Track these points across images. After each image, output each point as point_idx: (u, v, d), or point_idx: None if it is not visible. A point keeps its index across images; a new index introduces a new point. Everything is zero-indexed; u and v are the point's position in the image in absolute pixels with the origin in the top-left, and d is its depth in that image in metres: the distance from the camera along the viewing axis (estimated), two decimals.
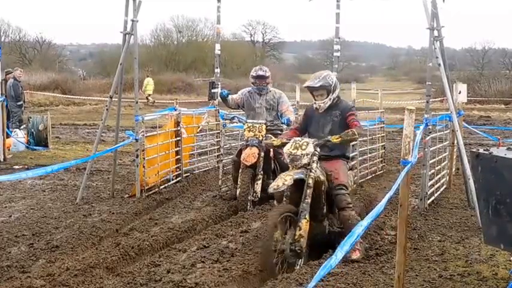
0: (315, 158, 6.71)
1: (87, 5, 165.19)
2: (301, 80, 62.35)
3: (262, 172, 9.43)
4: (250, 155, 9.21)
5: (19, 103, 18.19)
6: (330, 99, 7.20)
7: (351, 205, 7.02)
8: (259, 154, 9.31)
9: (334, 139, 6.86)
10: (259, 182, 9.39)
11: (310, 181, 6.58)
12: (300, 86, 15.81)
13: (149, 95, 39.29)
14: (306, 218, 6.49)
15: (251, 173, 9.33)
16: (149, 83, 39.31)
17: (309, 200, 6.53)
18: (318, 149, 6.84)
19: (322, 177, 6.81)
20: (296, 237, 6.47)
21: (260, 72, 9.76)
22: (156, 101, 38.02)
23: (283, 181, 6.46)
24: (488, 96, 40.25)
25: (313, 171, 6.64)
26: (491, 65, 65.85)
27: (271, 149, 9.31)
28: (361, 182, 11.35)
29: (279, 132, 9.61)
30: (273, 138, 8.07)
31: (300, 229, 6.47)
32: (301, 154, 6.67)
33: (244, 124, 9.76)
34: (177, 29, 68.61)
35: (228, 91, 10.12)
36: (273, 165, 9.74)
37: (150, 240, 7.36)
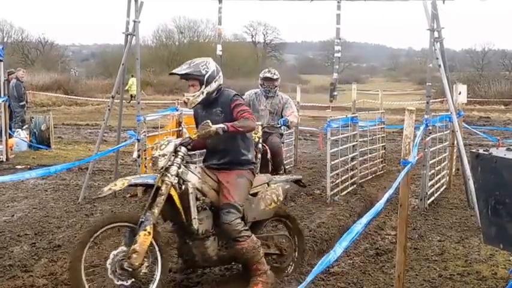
0: (178, 160, 5.46)
1: (89, 5, 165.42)
2: (302, 80, 62.42)
3: (259, 173, 9.26)
4: None
5: (21, 103, 18.26)
6: (203, 92, 5.82)
7: (243, 234, 5.51)
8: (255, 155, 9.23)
9: (193, 135, 5.62)
10: None
11: (164, 188, 5.29)
12: (301, 87, 15.88)
13: (133, 95, 39.52)
14: (145, 230, 5.13)
15: None
16: (134, 83, 39.42)
17: (155, 210, 5.22)
18: (183, 150, 5.53)
19: (191, 187, 5.46)
20: (129, 253, 5.10)
21: (267, 74, 9.67)
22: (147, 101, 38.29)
23: (112, 185, 5.37)
24: (488, 97, 40.26)
25: (168, 175, 5.35)
26: (491, 66, 65.86)
27: (269, 150, 9.13)
28: (361, 182, 11.40)
29: (273, 132, 9.52)
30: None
31: (136, 243, 5.10)
32: (158, 155, 5.51)
33: None
34: (178, 29, 68.70)
35: None
36: (270, 167, 9.48)
37: None
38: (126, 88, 38.93)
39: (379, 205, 4.70)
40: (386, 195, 4.85)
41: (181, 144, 5.57)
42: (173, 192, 5.36)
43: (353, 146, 11.10)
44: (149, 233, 5.15)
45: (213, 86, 5.87)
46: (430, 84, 9.49)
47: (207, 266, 5.92)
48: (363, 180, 11.63)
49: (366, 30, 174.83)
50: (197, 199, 5.51)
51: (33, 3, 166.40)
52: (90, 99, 38.10)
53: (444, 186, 10.95)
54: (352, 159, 11.07)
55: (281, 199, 6.06)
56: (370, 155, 12.47)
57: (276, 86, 9.71)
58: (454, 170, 11.73)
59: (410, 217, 8.42)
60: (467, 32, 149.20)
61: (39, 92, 37.70)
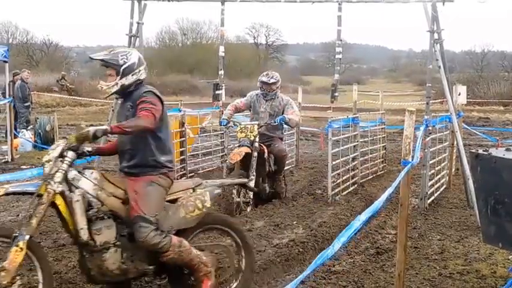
0: (64, 166, 4.90)
1: (93, 7, 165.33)
2: (304, 81, 62.30)
3: (254, 173, 9.18)
4: (236, 154, 9.07)
5: (26, 104, 18.39)
6: (117, 83, 5.24)
7: (162, 245, 5.02)
8: (250, 154, 9.11)
9: (70, 139, 5.06)
10: (251, 183, 8.96)
11: (45, 196, 4.77)
12: (302, 88, 15.95)
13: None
14: (17, 246, 4.69)
15: (243, 174, 9.09)
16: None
17: (33, 221, 4.75)
18: (70, 154, 4.98)
19: (77, 194, 4.92)
20: None
21: (263, 79, 9.60)
22: None
23: None
24: (487, 98, 40.20)
25: (51, 183, 4.81)
26: (490, 67, 65.74)
27: (266, 150, 9.28)
28: (362, 182, 11.46)
29: (273, 136, 9.65)
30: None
31: (6, 260, 4.71)
32: (44, 161, 5.00)
33: (238, 126, 9.56)
34: (181, 31, 68.76)
35: (226, 119, 9.87)
36: (267, 167, 9.57)
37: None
38: None
39: (379, 202, 4.76)
40: (386, 194, 4.92)
41: (68, 148, 4.98)
42: (59, 201, 4.84)
43: (354, 146, 11.15)
44: (21, 248, 4.68)
45: (130, 79, 5.25)
46: (430, 85, 9.55)
47: (111, 281, 5.21)
48: (363, 180, 11.68)
49: (366, 32, 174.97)
50: (91, 207, 4.96)
51: (38, 5, 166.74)
52: (94, 100, 38.07)
53: (444, 186, 11.01)
54: (353, 159, 11.12)
55: (208, 205, 5.37)
56: (370, 155, 12.52)
57: (273, 90, 9.64)
58: (453, 170, 11.79)
59: (411, 216, 8.47)
60: (467, 34, 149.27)
61: (44, 93, 37.70)
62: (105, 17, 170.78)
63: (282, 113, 9.55)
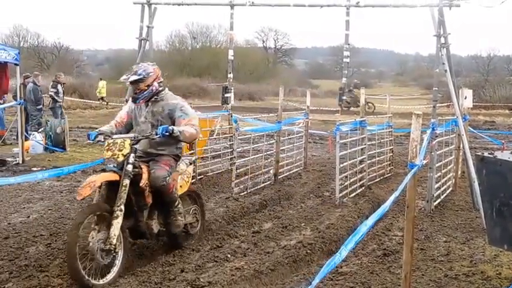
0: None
1: (104, 10, 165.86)
2: (312, 85, 62.32)
3: (122, 208, 6.25)
4: (86, 186, 6.13)
5: (39, 107, 18.52)
6: None
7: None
8: (117, 182, 6.34)
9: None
10: (117, 222, 6.18)
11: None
12: (311, 91, 16.01)
13: (102, 97, 39.88)
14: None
15: (103, 209, 6.28)
16: (103, 86, 39.81)
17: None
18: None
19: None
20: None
21: (123, 78, 7.06)
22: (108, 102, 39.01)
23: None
24: (493, 101, 40.22)
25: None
26: (496, 71, 65.74)
27: (146, 176, 6.57)
28: (369, 185, 11.51)
29: (162, 154, 6.91)
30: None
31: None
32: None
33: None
34: (191, 35, 69.01)
35: (96, 132, 6.93)
36: (149, 199, 6.68)
37: (164, 240, 7.42)
38: (97, 91, 39.54)
39: (385, 207, 4.81)
40: (392, 197, 4.96)
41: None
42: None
43: (361, 149, 11.21)
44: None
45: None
46: (436, 89, 9.60)
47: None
48: (371, 182, 11.74)
49: (374, 36, 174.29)
50: None
51: (50, 8, 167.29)
52: (104, 103, 38.35)
53: (450, 189, 11.05)
54: (361, 162, 11.18)
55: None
56: (378, 158, 12.58)
57: (142, 90, 6.89)
58: (459, 172, 11.81)
59: (417, 218, 8.51)
60: (473, 38, 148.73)
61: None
62: (116, 20, 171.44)
63: (173, 123, 6.88)
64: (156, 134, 6.59)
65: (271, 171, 12.09)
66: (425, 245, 7.60)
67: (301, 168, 13.64)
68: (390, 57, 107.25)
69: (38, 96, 18.42)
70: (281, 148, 12.48)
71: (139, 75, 6.78)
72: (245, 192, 10.67)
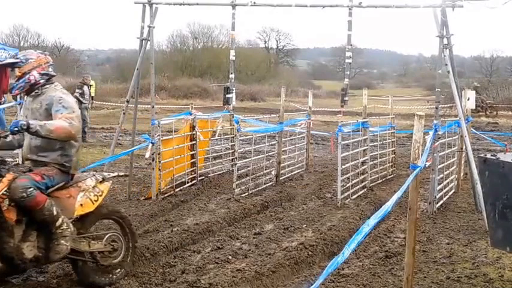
0: None
1: (105, 10, 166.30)
2: (315, 86, 62.32)
3: None
4: None
5: None
6: None
7: None
8: None
9: None
10: None
11: None
12: (313, 92, 15.99)
13: (92, 97, 39.44)
14: None
15: None
16: (92, 85, 39.50)
17: None
18: None
19: None
20: None
21: (8, 60, 6.55)
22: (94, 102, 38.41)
23: None
24: (496, 103, 40.20)
25: None
26: (499, 72, 65.78)
27: (4, 186, 5.27)
28: (371, 186, 11.48)
29: (44, 162, 5.80)
30: None
31: None
32: None
33: None
34: (193, 35, 68.93)
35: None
36: (11, 215, 5.31)
37: (165, 241, 7.47)
38: None
39: (387, 207, 4.79)
40: (395, 197, 4.95)
41: None
42: None
43: (364, 150, 11.19)
44: None
45: None
46: (439, 90, 9.57)
47: None
48: (373, 184, 11.71)
49: (377, 37, 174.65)
50: None
51: (50, 8, 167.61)
52: (105, 103, 38.29)
53: (453, 190, 11.02)
54: (363, 163, 11.16)
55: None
56: (380, 159, 12.55)
57: (24, 74, 5.86)
58: (462, 174, 11.81)
59: (419, 220, 8.48)
60: (477, 39, 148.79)
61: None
62: (117, 20, 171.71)
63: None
64: (9, 132, 5.49)
65: (272, 173, 12.07)
66: (427, 247, 7.58)
67: (302, 169, 13.62)
68: (393, 58, 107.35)
69: None
70: (283, 149, 12.46)
71: (17, 59, 5.90)
72: (246, 194, 10.64)
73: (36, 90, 5.87)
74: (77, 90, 20.04)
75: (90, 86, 37.44)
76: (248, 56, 62.22)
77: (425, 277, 6.42)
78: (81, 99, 19.29)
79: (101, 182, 6.30)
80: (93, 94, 39.34)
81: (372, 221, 4.52)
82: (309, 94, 14.76)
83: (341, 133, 10.01)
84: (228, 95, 11.78)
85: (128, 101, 10.38)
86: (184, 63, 63.44)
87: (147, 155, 10.56)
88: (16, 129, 5.29)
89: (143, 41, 10.09)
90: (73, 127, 5.57)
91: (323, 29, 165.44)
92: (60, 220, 5.54)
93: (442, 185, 10.10)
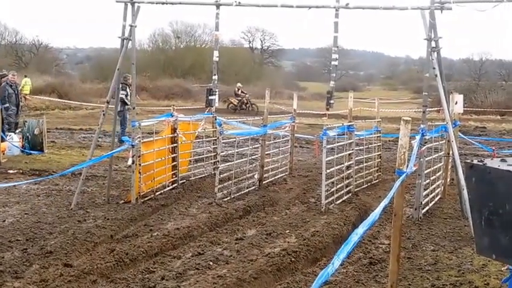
0: None
1: (85, 8, 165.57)
2: (300, 87, 62.32)
3: None
4: None
5: (5, 106, 17.84)
6: None
7: None
8: None
9: None
10: None
11: None
12: (298, 94, 15.88)
13: (26, 95, 39.14)
14: None
15: None
16: (27, 83, 39.00)
17: None
18: None
19: None
20: None
21: None
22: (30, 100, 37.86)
23: None
24: (484, 107, 40.47)
25: None
26: (488, 75, 66.29)
27: None
28: (356, 191, 11.39)
29: None
30: None
31: None
32: None
33: None
34: (175, 34, 68.61)
35: None
36: None
37: (145, 246, 7.37)
38: (19, 89, 38.63)
39: (375, 215, 4.71)
40: (382, 205, 4.87)
41: None
42: None
43: (349, 154, 11.09)
44: None
45: None
46: (426, 93, 9.52)
47: None
48: (358, 188, 11.62)
49: (364, 38, 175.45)
50: None
51: (28, 5, 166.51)
52: (84, 103, 38.03)
53: (439, 196, 10.97)
54: (348, 167, 11.06)
55: None
56: (365, 164, 12.47)
57: None
58: (449, 179, 11.77)
59: (405, 226, 8.45)
60: (465, 42, 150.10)
61: (33, 96, 37.63)
62: (97, 18, 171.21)
63: None
64: None
65: (255, 176, 11.95)
66: (412, 254, 7.52)
67: (286, 173, 13.51)
68: (380, 59, 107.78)
69: (5, 95, 17.50)
70: (266, 152, 12.32)
71: None
72: (228, 198, 10.53)
73: None
74: (122, 92, 18.08)
75: (23, 86, 37.00)
76: (232, 56, 62.05)
77: (409, 284, 6.36)
78: (126, 100, 17.60)
79: None
80: (27, 92, 38.77)
81: (361, 229, 4.45)
82: (293, 97, 14.64)
83: (326, 137, 9.90)
84: (211, 97, 11.66)
85: (108, 102, 10.21)
86: (167, 62, 63.18)
87: (129, 162, 10.39)
88: None
89: (124, 40, 9.93)
90: None
91: (309, 29, 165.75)
92: None
93: (428, 190, 10.02)
